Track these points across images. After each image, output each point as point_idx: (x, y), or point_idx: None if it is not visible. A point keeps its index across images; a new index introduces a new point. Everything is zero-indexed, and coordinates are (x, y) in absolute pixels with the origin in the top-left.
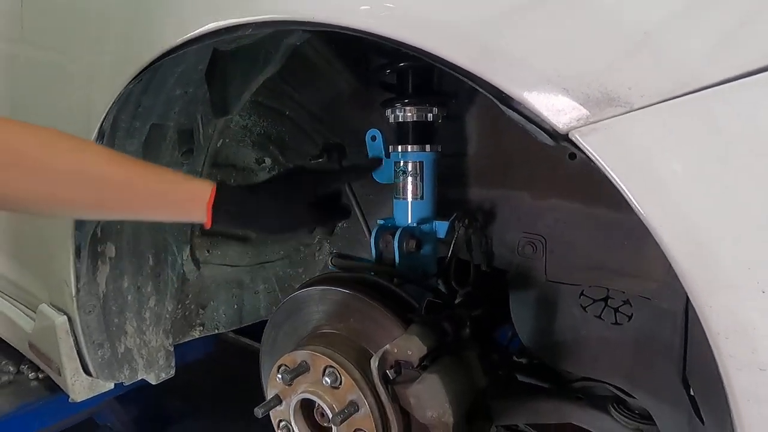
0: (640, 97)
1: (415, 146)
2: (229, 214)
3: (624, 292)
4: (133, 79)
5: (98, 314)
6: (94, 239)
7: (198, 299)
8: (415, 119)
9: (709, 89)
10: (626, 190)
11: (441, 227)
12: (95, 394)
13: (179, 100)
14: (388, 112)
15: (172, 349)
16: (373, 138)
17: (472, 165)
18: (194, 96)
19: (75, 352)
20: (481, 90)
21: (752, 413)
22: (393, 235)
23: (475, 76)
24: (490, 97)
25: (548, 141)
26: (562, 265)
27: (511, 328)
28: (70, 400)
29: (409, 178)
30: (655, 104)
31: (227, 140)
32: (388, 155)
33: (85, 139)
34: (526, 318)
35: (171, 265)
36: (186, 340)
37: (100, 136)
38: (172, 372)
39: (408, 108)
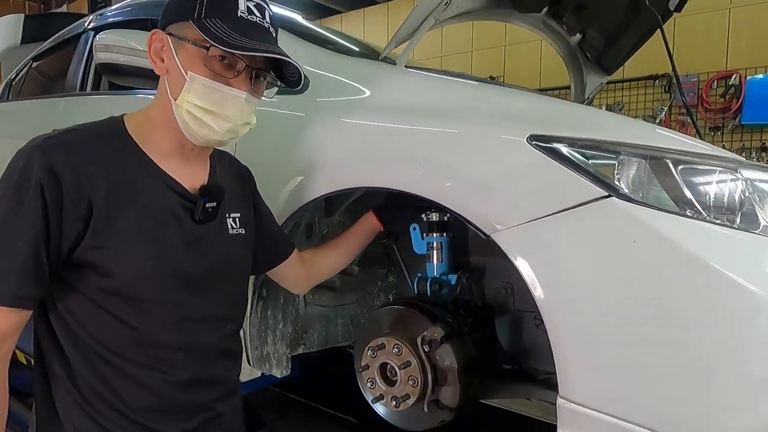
0: (497, 225)
1: (438, 233)
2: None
3: None
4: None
5: (257, 328)
6: (259, 286)
7: (303, 326)
8: (437, 219)
9: (536, 220)
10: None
11: (453, 278)
12: (250, 378)
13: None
14: (423, 215)
15: (289, 357)
16: (414, 228)
17: (471, 243)
18: (318, 205)
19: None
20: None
21: None
22: (426, 281)
23: (454, 211)
24: (456, 213)
25: (484, 236)
26: (523, 300)
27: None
28: None
29: (435, 252)
30: (509, 228)
31: (330, 230)
32: (423, 238)
33: None
34: (505, 332)
35: (292, 303)
36: (295, 353)
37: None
38: (289, 371)
39: (433, 214)
